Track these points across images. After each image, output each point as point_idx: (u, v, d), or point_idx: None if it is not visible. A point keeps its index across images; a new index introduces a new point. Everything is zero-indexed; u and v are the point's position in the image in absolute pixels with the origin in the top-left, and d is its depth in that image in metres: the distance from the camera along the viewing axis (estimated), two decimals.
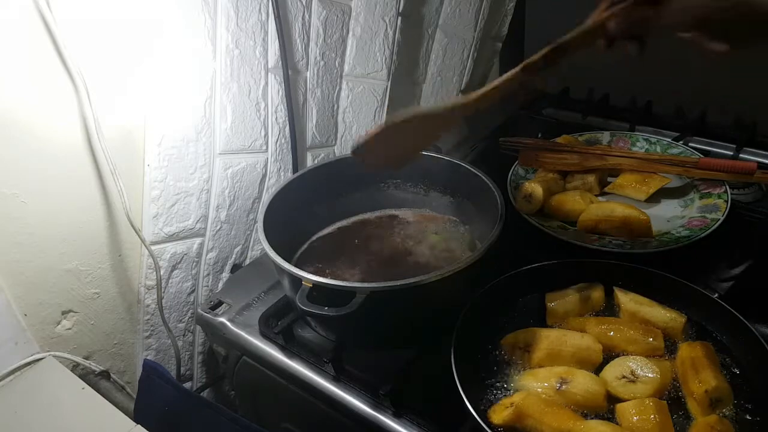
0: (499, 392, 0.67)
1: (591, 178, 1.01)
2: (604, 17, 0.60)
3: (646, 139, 1.10)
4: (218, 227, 0.97)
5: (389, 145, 0.67)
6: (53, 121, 0.74)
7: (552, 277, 0.78)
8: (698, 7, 0.55)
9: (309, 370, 0.75)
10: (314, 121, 1.05)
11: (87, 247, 0.82)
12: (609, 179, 1.04)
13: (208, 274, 1.00)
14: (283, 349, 0.78)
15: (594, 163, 1.03)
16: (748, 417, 0.62)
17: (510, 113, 1.32)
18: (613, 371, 0.66)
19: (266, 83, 0.93)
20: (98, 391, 0.78)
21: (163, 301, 0.93)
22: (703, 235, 0.85)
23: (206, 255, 0.98)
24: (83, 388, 0.77)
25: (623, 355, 0.69)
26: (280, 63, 0.93)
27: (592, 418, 0.63)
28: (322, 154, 1.10)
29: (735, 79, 1.13)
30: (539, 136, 1.15)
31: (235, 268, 1.03)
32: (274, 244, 0.72)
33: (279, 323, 0.78)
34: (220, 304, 0.87)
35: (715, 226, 0.86)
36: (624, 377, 0.65)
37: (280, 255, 0.70)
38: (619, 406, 0.63)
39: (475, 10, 1.21)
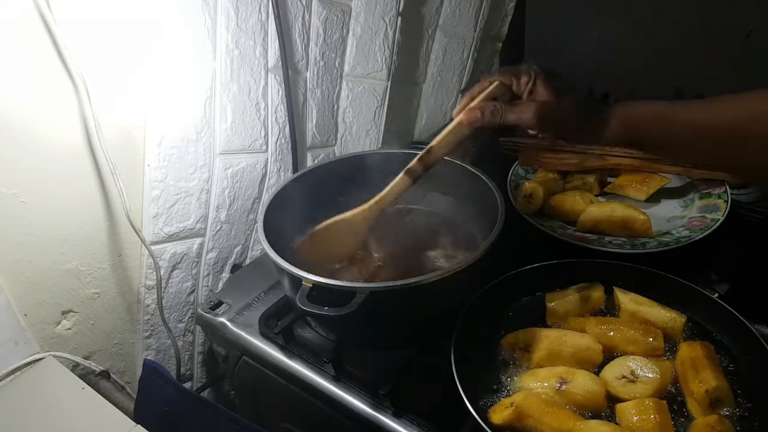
0: (499, 392, 0.67)
1: (591, 178, 1.01)
2: (462, 116, 0.65)
3: None
4: (218, 227, 0.97)
5: (322, 246, 0.77)
6: (53, 121, 0.74)
7: (552, 277, 0.78)
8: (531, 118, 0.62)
9: (309, 370, 0.75)
10: (314, 121, 1.05)
11: (87, 247, 0.82)
12: (609, 179, 1.04)
13: (208, 274, 1.00)
14: (283, 349, 0.78)
15: (594, 163, 1.03)
16: (748, 417, 0.62)
17: None
18: (613, 371, 0.66)
19: (266, 83, 0.93)
20: (98, 391, 0.78)
21: (163, 301, 0.93)
22: (703, 235, 0.85)
23: (206, 255, 0.98)
24: (83, 388, 0.77)
25: (623, 355, 0.69)
26: (280, 63, 0.92)
27: (592, 418, 0.63)
28: (322, 154, 1.10)
29: (735, 79, 1.13)
30: (539, 136, 1.14)
31: (235, 268, 1.03)
32: (274, 244, 0.72)
33: (279, 323, 0.78)
34: (220, 304, 0.87)
35: (715, 226, 0.86)
36: (624, 377, 0.65)
37: (280, 255, 0.70)
38: (619, 406, 0.63)
39: (475, 10, 1.21)
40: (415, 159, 0.70)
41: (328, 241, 0.77)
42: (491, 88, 0.65)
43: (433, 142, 0.68)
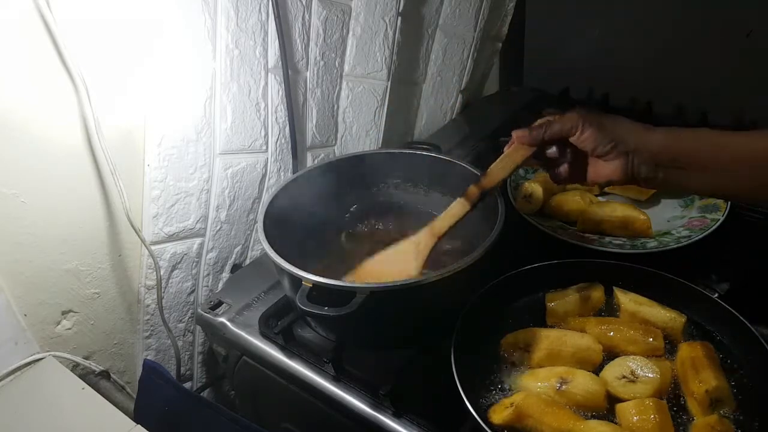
0: (499, 392, 0.67)
1: None
2: (513, 135, 0.69)
3: None
4: (218, 227, 0.97)
5: (377, 272, 0.73)
6: (53, 121, 0.74)
7: (552, 277, 0.78)
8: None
9: (309, 370, 0.75)
10: (314, 121, 1.05)
11: (87, 247, 0.82)
12: None
13: (208, 274, 1.00)
14: (283, 349, 0.78)
15: None
16: (748, 417, 0.62)
17: (510, 113, 1.32)
18: (613, 371, 0.66)
19: (266, 83, 0.93)
20: (98, 391, 0.78)
21: (163, 301, 0.93)
22: (703, 235, 0.85)
23: (206, 255, 0.98)
24: (83, 388, 0.77)
25: (623, 355, 0.69)
26: (280, 63, 0.92)
27: (592, 418, 0.63)
28: (322, 154, 1.10)
29: (735, 79, 1.13)
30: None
31: (235, 268, 1.03)
32: (274, 244, 0.72)
33: (279, 323, 0.78)
34: (220, 304, 0.87)
35: (715, 226, 0.86)
36: (624, 377, 0.65)
37: (280, 255, 0.70)
38: (619, 406, 0.63)
39: (475, 10, 1.21)
40: (473, 184, 0.71)
41: (381, 270, 0.73)
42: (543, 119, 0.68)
43: (491, 167, 0.71)
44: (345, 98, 1.08)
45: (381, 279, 0.69)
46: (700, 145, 0.63)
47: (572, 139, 0.65)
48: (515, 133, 0.69)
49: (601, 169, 0.66)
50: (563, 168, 0.69)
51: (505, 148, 0.70)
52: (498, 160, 0.71)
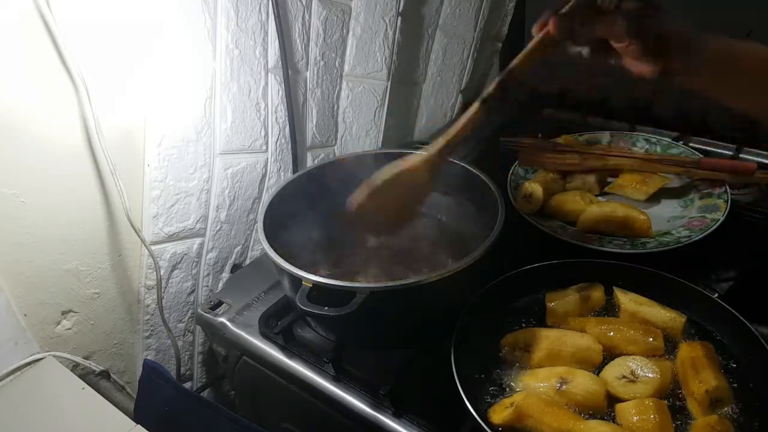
0: (499, 392, 0.67)
1: (591, 178, 1.01)
2: (545, 29, 0.60)
3: (646, 139, 1.10)
4: (218, 227, 0.97)
5: (381, 207, 0.68)
6: (53, 121, 0.74)
7: (552, 277, 0.78)
8: (639, 16, 0.56)
9: (309, 370, 0.75)
10: (314, 121, 1.05)
11: (87, 247, 0.82)
12: (609, 179, 1.04)
13: (208, 274, 1.00)
14: (283, 349, 0.78)
15: (594, 163, 1.03)
16: (748, 417, 0.62)
17: (510, 114, 1.32)
18: (613, 371, 0.66)
19: (266, 83, 0.93)
20: (98, 391, 0.78)
21: (163, 301, 0.93)
22: (703, 235, 0.85)
23: (206, 255, 0.98)
24: (83, 388, 0.77)
25: (623, 355, 0.69)
26: (280, 63, 0.93)
27: (592, 418, 0.63)
28: (322, 154, 1.10)
29: None
30: (539, 136, 1.15)
31: (235, 268, 1.03)
32: (274, 244, 0.72)
33: (279, 323, 0.78)
34: (220, 304, 0.87)
35: (715, 226, 0.86)
36: (624, 377, 0.65)
37: (280, 255, 0.70)
38: (619, 406, 0.63)
39: (475, 10, 1.21)
40: (493, 85, 0.62)
41: (390, 195, 0.67)
42: None
43: (513, 62, 0.62)
44: (345, 98, 1.08)
45: (389, 203, 0.65)
46: (751, 67, 0.58)
47: (616, 45, 0.57)
48: (553, 23, 0.58)
49: (636, 64, 0.59)
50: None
51: (535, 30, 0.60)
52: (521, 54, 0.61)
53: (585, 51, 0.62)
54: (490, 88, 0.63)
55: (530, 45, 0.61)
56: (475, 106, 0.64)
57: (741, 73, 0.59)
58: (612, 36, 0.58)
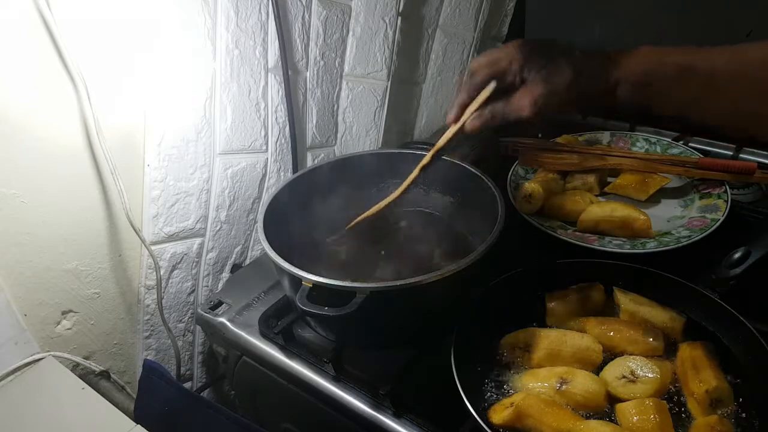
0: (499, 392, 0.67)
1: (591, 178, 1.01)
2: (467, 126, 0.67)
3: (646, 139, 1.10)
4: (218, 227, 0.97)
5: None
6: (53, 121, 0.74)
7: (552, 277, 0.78)
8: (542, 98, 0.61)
9: (309, 370, 0.75)
10: (314, 121, 1.05)
11: (87, 247, 0.82)
12: (609, 179, 1.04)
13: (208, 274, 1.00)
14: (283, 349, 0.78)
15: (594, 163, 1.02)
16: (748, 417, 0.62)
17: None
18: (613, 371, 0.66)
19: (266, 83, 0.93)
20: (98, 391, 0.78)
21: (163, 301, 0.93)
22: (703, 235, 0.85)
23: (206, 255, 0.98)
24: (83, 388, 0.77)
25: (623, 355, 0.69)
26: (280, 63, 0.93)
27: (592, 418, 0.63)
28: (322, 154, 1.10)
29: None
30: (539, 136, 1.15)
31: (235, 268, 1.03)
32: (274, 244, 0.72)
33: (279, 323, 0.78)
34: (220, 304, 0.87)
35: (715, 226, 0.86)
36: (624, 377, 0.65)
37: (280, 255, 0.70)
38: (619, 406, 0.63)
39: (475, 10, 1.21)
40: (428, 155, 0.72)
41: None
42: (486, 94, 0.65)
43: (440, 143, 0.70)
44: (345, 98, 1.08)
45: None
46: (673, 88, 0.59)
47: (527, 122, 0.63)
48: (468, 125, 0.66)
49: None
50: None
51: (449, 121, 0.69)
52: (445, 138, 0.70)
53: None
54: (425, 158, 0.73)
55: (450, 133, 0.69)
56: (415, 172, 0.75)
57: (655, 86, 0.60)
58: (523, 122, 0.63)
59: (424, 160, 0.73)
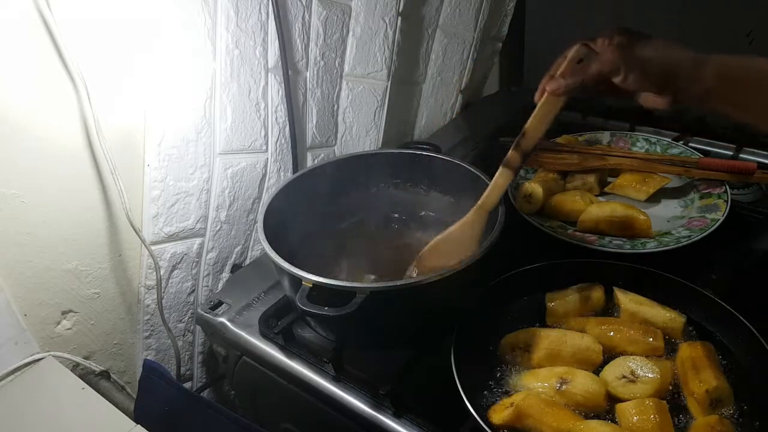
0: (499, 392, 0.67)
1: (591, 178, 1.01)
2: (547, 89, 0.63)
3: (646, 139, 1.10)
4: (218, 227, 0.97)
5: (434, 262, 0.75)
6: (53, 121, 0.74)
7: (552, 277, 0.78)
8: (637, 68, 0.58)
9: (309, 370, 0.75)
10: (314, 121, 1.05)
11: (87, 247, 0.82)
12: (609, 179, 1.04)
13: (208, 274, 1.00)
14: (283, 349, 0.78)
15: (594, 163, 1.02)
16: (748, 417, 0.62)
17: (510, 114, 1.32)
18: (613, 371, 0.66)
19: (266, 83, 0.93)
20: (98, 391, 0.78)
21: (163, 301, 0.93)
22: (703, 235, 0.85)
23: (206, 255, 0.98)
24: (83, 388, 0.77)
25: (623, 355, 0.69)
26: (280, 63, 0.93)
27: (592, 418, 0.63)
28: (322, 154, 1.10)
29: None
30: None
31: (235, 268, 1.03)
32: (274, 244, 0.72)
33: (279, 323, 0.78)
34: (220, 304, 0.87)
35: (715, 226, 0.86)
36: (624, 377, 0.65)
37: (280, 255, 0.70)
38: (619, 406, 0.63)
39: (475, 10, 1.21)
40: (511, 148, 0.68)
41: (439, 256, 0.75)
42: (572, 52, 0.61)
43: (526, 125, 0.66)
44: (345, 98, 1.08)
45: (446, 265, 0.70)
46: (755, 82, 0.58)
47: (615, 81, 0.59)
48: (547, 85, 0.62)
49: (649, 97, 0.61)
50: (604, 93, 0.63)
51: (536, 98, 0.65)
52: (532, 117, 0.66)
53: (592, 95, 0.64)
54: (508, 153, 0.68)
55: (536, 109, 0.65)
56: (500, 171, 0.71)
57: (745, 89, 0.59)
58: (607, 73, 0.59)
59: (508, 154, 0.68)
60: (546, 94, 0.63)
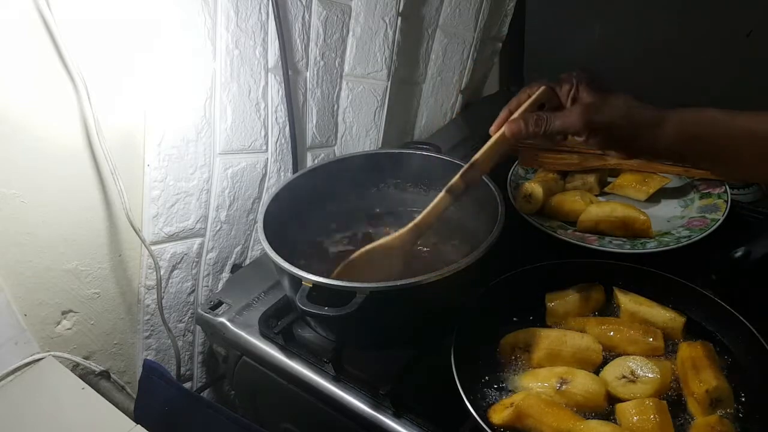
0: (499, 392, 0.67)
1: (591, 178, 1.01)
2: (505, 128, 0.63)
3: None
4: (218, 227, 0.97)
5: (358, 273, 0.72)
6: (53, 121, 0.74)
7: (552, 277, 0.78)
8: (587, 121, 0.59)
9: (309, 370, 0.75)
10: (314, 121, 1.05)
11: (87, 247, 0.82)
12: (609, 179, 1.04)
13: (208, 274, 1.00)
14: (283, 349, 0.78)
15: (594, 163, 1.03)
16: (748, 417, 0.62)
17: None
18: (613, 371, 0.67)
19: (266, 83, 0.93)
20: (98, 391, 0.78)
21: (163, 301, 0.93)
22: (703, 235, 0.85)
23: (206, 255, 0.98)
24: (83, 388, 0.77)
25: (623, 355, 0.69)
26: (280, 63, 0.92)
27: (592, 418, 0.63)
28: (322, 154, 1.10)
29: (735, 79, 1.13)
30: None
31: (235, 268, 1.03)
32: (274, 244, 0.72)
33: (279, 323, 0.78)
34: (220, 304, 0.87)
35: (715, 226, 0.86)
36: (624, 377, 0.65)
37: (280, 255, 0.70)
38: (619, 406, 0.63)
39: (475, 10, 1.21)
40: (457, 176, 0.68)
41: (365, 268, 0.73)
42: (537, 94, 0.62)
43: (476, 156, 0.66)
44: (345, 98, 1.08)
45: (369, 278, 0.69)
46: (709, 138, 0.59)
47: (576, 139, 0.61)
48: (507, 127, 0.62)
49: (611, 152, 0.63)
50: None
51: (492, 130, 0.65)
52: (483, 150, 0.66)
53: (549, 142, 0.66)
54: (453, 179, 0.68)
55: (489, 143, 0.65)
56: (441, 195, 0.69)
57: (703, 145, 0.60)
58: (570, 133, 0.60)
59: (453, 181, 0.68)
60: (501, 132, 0.63)
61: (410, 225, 0.72)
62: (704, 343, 0.69)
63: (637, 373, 0.65)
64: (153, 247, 0.88)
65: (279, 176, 1.02)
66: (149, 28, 0.77)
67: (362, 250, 0.74)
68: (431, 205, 0.71)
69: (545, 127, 0.61)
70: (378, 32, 1.05)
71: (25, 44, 0.68)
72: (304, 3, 0.93)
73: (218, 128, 0.90)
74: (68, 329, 0.84)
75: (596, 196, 1.00)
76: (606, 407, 0.64)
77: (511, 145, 0.65)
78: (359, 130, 1.13)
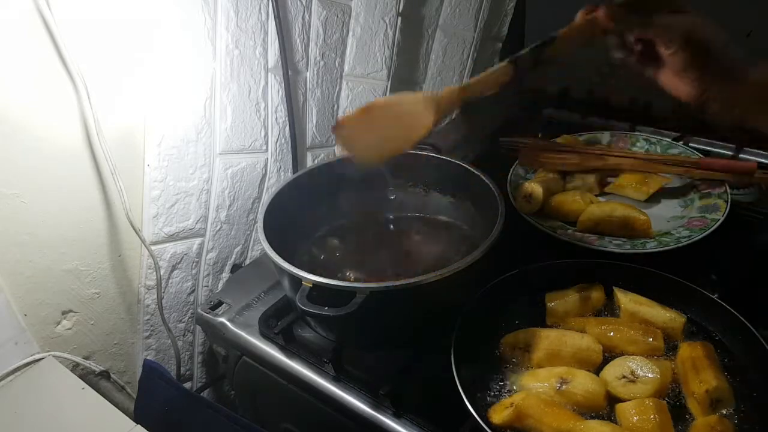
0: (499, 392, 0.67)
1: (591, 178, 1.01)
2: (593, 14, 0.61)
3: (646, 139, 1.10)
4: (218, 227, 0.97)
5: (371, 130, 0.62)
6: (53, 121, 0.74)
7: (552, 277, 0.78)
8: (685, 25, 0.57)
9: (309, 370, 0.75)
10: (314, 121, 1.05)
11: (87, 247, 0.82)
12: (609, 179, 1.04)
13: (208, 274, 1.00)
14: (283, 349, 0.78)
15: (594, 163, 1.03)
16: (748, 417, 0.62)
17: (510, 113, 1.32)
18: (613, 371, 0.66)
19: (266, 83, 0.93)
20: (98, 391, 0.78)
21: (163, 301, 0.93)
22: (703, 235, 0.85)
23: (206, 255, 0.98)
24: (83, 388, 0.77)
25: (623, 355, 0.69)
26: (280, 63, 0.93)
27: (592, 418, 0.63)
28: (322, 154, 1.10)
29: None
30: (539, 136, 1.15)
31: (235, 268, 1.03)
32: (274, 244, 0.72)
33: (279, 323, 0.78)
34: (220, 304, 0.87)
35: (715, 226, 0.86)
36: (624, 377, 0.65)
37: (280, 255, 0.70)
38: (619, 406, 0.63)
39: (475, 10, 1.21)
40: (527, 48, 0.60)
41: (386, 122, 0.62)
42: None
43: (558, 32, 0.62)
44: (345, 98, 1.08)
45: (381, 129, 0.60)
46: None
47: (662, 51, 0.57)
48: (604, 9, 0.58)
49: (675, 79, 0.59)
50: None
51: (579, 16, 0.61)
52: (565, 29, 0.62)
53: (620, 54, 0.62)
54: (524, 50, 0.61)
55: (574, 24, 0.62)
56: (504, 63, 0.61)
57: None
58: (663, 38, 0.57)
59: (522, 52, 0.60)
60: (591, 16, 0.60)
61: (453, 87, 0.61)
62: (704, 343, 0.69)
63: (637, 373, 0.65)
64: (153, 247, 0.88)
65: (279, 176, 1.02)
66: (149, 28, 0.77)
67: (387, 98, 0.66)
68: (488, 71, 0.61)
69: (644, 24, 0.57)
70: (378, 32, 1.05)
71: (25, 44, 0.68)
72: (304, 3, 0.93)
73: (218, 128, 0.90)
74: (68, 329, 0.84)
75: (596, 196, 1.00)
76: (606, 407, 0.64)
77: (590, 39, 0.61)
78: None
